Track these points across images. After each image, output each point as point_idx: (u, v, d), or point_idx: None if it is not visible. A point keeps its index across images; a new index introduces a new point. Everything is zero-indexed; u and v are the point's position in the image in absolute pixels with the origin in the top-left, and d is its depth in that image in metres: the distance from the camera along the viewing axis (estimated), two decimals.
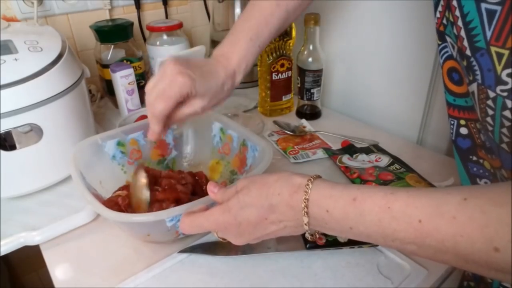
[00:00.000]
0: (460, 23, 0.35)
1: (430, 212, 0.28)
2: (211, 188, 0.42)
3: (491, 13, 0.31)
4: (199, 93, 0.46)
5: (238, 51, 0.51)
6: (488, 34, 0.32)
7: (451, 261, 0.28)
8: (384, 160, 0.67)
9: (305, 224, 0.35)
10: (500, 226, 0.24)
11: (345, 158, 0.68)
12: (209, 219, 0.40)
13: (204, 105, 0.48)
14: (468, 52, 0.35)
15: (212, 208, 0.41)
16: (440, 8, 0.39)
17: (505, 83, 0.32)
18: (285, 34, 0.79)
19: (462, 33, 0.35)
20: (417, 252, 0.30)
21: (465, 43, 0.35)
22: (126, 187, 0.58)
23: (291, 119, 0.85)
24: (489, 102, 0.34)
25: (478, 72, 0.34)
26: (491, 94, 0.33)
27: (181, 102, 0.47)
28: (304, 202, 0.34)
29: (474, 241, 0.25)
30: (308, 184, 0.35)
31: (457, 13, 0.35)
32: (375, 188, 0.32)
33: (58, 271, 0.50)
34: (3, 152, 0.55)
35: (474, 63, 0.34)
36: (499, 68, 0.32)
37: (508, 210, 0.24)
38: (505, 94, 0.32)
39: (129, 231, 0.52)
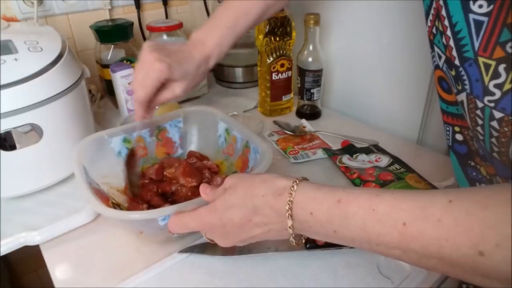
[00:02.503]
0: (449, 33, 0.35)
1: (415, 215, 0.27)
2: (203, 189, 0.42)
3: (478, 24, 0.31)
4: (177, 78, 0.51)
5: (215, 37, 0.54)
6: (476, 44, 0.32)
7: (436, 267, 0.27)
8: (384, 160, 0.67)
9: (289, 227, 0.34)
10: (485, 230, 0.24)
11: (345, 158, 0.68)
12: (195, 219, 0.40)
13: (183, 88, 0.52)
14: (457, 62, 0.35)
15: (199, 208, 0.40)
16: (430, 17, 0.39)
17: (492, 94, 0.32)
18: (285, 34, 0.79)
19: (451, 42, 0.35)
20: (402, 257, 0.29)
21: (454, 52, 0.35)
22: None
23: (291, 119, 0.85)
24: (478, 112, 0.34)
25: (466, 82, 0.34)
26: (479, 104, 0.33)
27: (162, 86, 0.52)
28: (288, 204, 0.33)
29: (459, 245, 0.25)
30: (293, 186, 0.34)
31: (446, 22, 0.35)
32: (361, 190, 0.32)
33: (58, 271, 0.50)
34: (3, 152, 0.55)
35: (463, 73, 0.34)
36: (486, 79, 0.32)
37: (494, 212, 0.24)
38: (492, 105, 0.32)
39: (123, 227, 0.52)
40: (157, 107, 0.55)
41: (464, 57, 0.33)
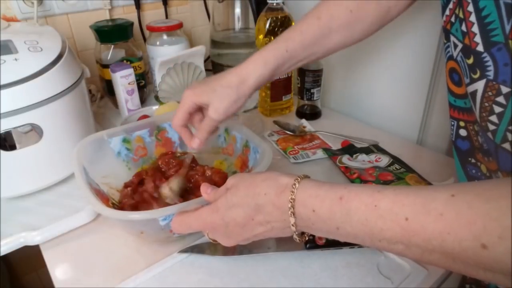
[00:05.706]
0: (473, 18, 0.35)
1: (417, 210, 0.27)
2: (204, 189, 0.42)
3: (510, 7, 0.31)
4: (206, 100, 0.50)
5: (259, 53, 0.52)
6: (507, 28, 0.32)
7: (439, 261, 0.27)
8: (384, 160, 0.67)
9: (292, 225, 0.34)
10: (488, 222, 0.24)
11: (345, 158, 0.68)
12: (198, 219, 0.40)
13: (215, 109, 0.50)
14: (480, 48, 0.34)
15: (202, 208, 0.40)
16: (450, 5, 0.39)
17: None
18: None
19: (475, 28, 0.34)
20: (405, 252, 0.29)
21: (477, 38, 0.34)
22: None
23: (291, 119, 0.85)
24: (499, 99, 0.34)
25: (491, 68, 0.34)
26: (504, 90, 0.33)
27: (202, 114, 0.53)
28: (290, 202, 0.34)
29: (462, 238, 0.25)
30: (295, 184, 0.34)
31: (470, 8, 0.35)
32: (362, 186, 0.32)
33: (58, 271, 0.50)
34: (3, 152, 0.55)
35: (487, 58, 0.34)
36: None
37: (496, 205, 0.24)
38: None
39: (123, 228, 0.52)
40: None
41: (492, 42, 0.33)
